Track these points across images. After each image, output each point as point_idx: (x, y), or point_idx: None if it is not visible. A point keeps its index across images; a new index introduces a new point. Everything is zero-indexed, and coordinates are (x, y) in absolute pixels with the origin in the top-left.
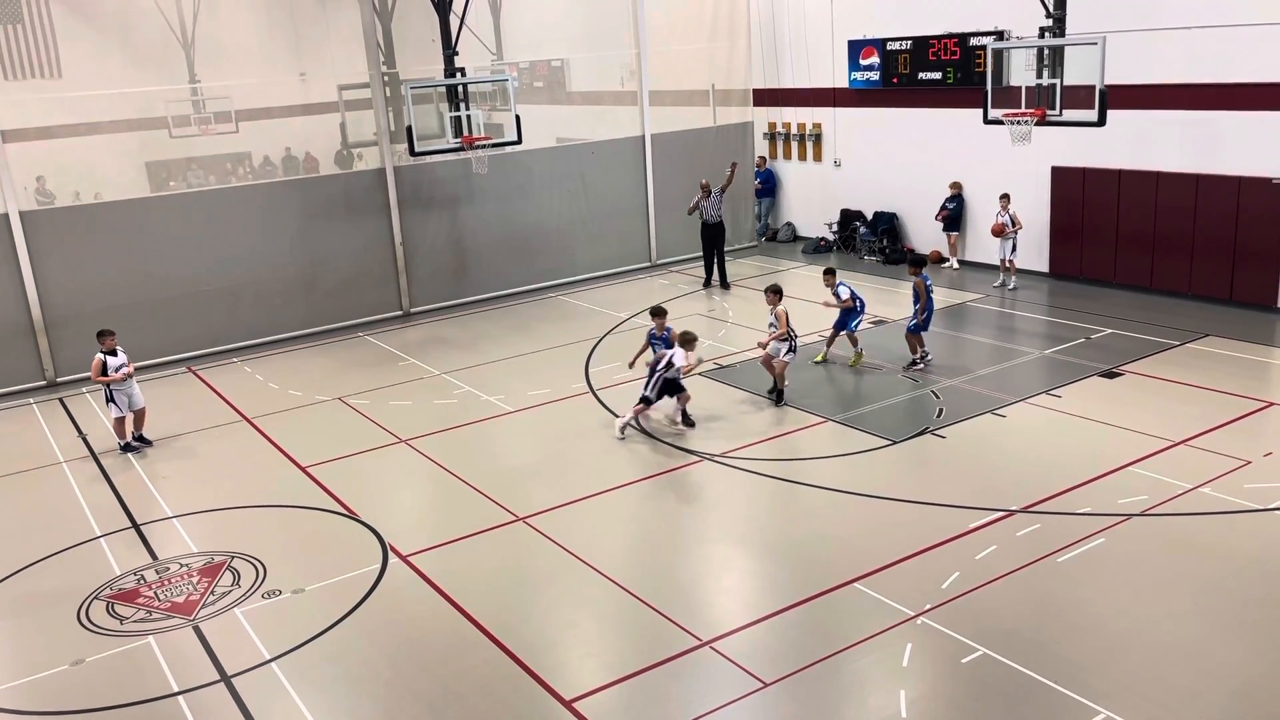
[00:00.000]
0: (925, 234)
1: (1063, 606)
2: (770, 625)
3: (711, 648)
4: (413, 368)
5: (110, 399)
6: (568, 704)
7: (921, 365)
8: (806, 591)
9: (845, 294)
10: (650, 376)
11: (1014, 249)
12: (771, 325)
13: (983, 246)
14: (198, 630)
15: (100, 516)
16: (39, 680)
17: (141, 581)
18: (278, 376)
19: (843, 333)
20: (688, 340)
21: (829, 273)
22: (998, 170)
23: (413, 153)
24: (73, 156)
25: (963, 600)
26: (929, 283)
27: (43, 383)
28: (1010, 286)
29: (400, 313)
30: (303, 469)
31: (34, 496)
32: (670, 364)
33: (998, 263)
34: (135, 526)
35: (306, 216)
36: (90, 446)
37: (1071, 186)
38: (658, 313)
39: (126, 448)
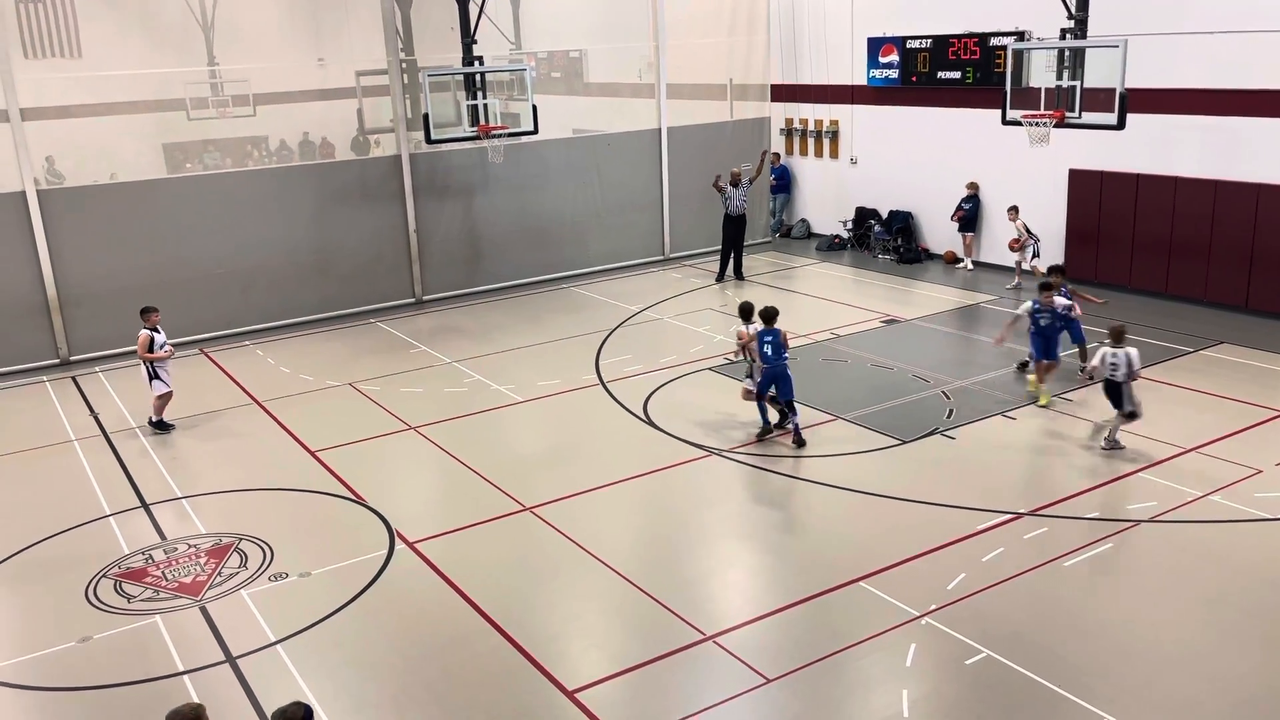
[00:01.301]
0: (940, 234)
1: (1068, 611)
2: (774, 621)
3: (715, 642)
4: (424, 355)
5: (156, 375)
6: (570, 694)
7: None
8: (811, 589)
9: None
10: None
11: (1035, 255)
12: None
13: (998, 248)
14: (204, 611)
15: (110, 495)
16: (46, 656)
17: (149, 561)
18: (289, 361)
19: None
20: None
21: (1051, 280)
22: (1015, 171)
23: (429, 140)
24: (90, 136)
25: (968, 602)
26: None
27: (56, 361)
28: (1020, 286)
29: (413, 300)
30: (312, 453)
31: (45, 474)
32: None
33: (1013, 265)
34: (144, 506)
35: (321, 202)
36: (102, 425)
37: (1089, 190)
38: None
39: (162, 425)
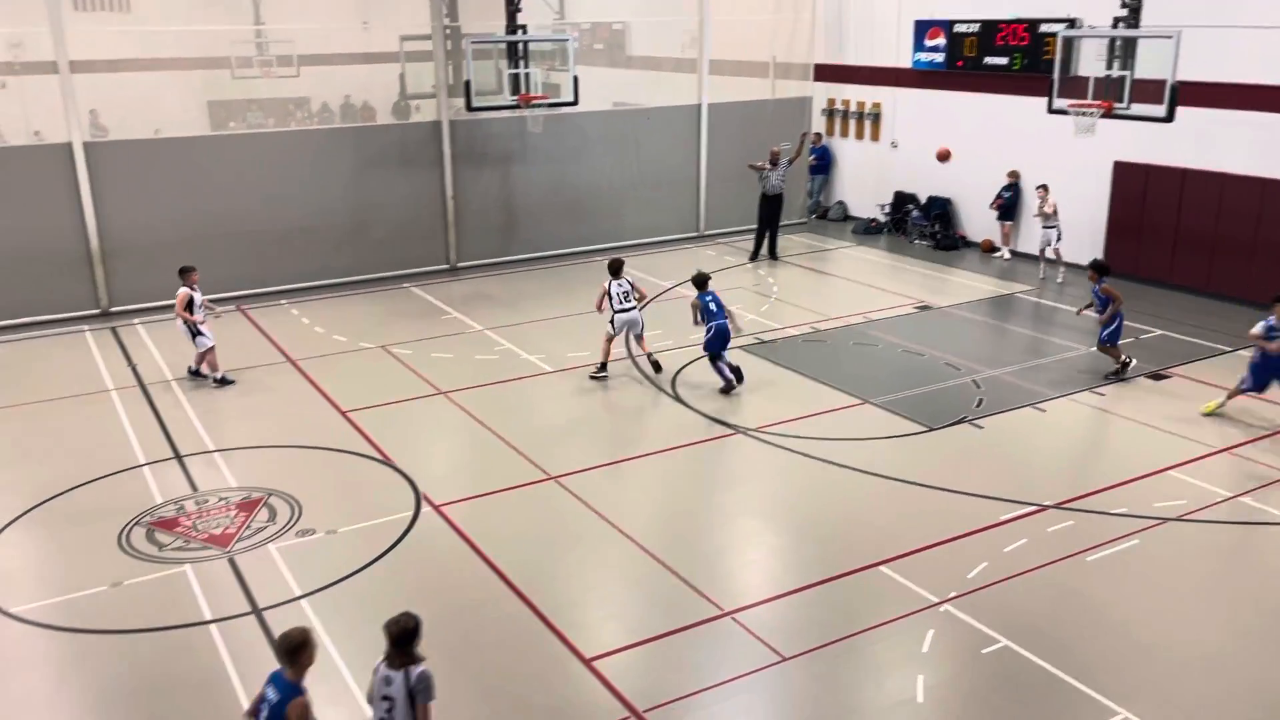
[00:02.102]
0: (979, 221)
1: (1090, 606)
2: (792, 601)
3: (733, 618)
4: (456, 322)
5: (198, 332)
6: (587, 662)
7: (1126, 372)
8: (831, 571)
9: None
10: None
11: (1059, 237)
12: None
13: (1035, 238)
14: (232, 562)
15: (145, 445)
16: (79, 599)
17: (181, 511)
18: (323, 321)
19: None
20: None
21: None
22: (1057, 161)
23: (469, 108)
24: (136, 91)
25: (988, 591)
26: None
27: (96, 311)
28: (1058, 280)
29: (447, 266)
30: (343, 413)
31: (82, 422)
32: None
33: (1037, 253)
34: (178, 457)
35: (360, 164)
36: (139, 376)
37: (1133, 182)
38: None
39: (223, 380)
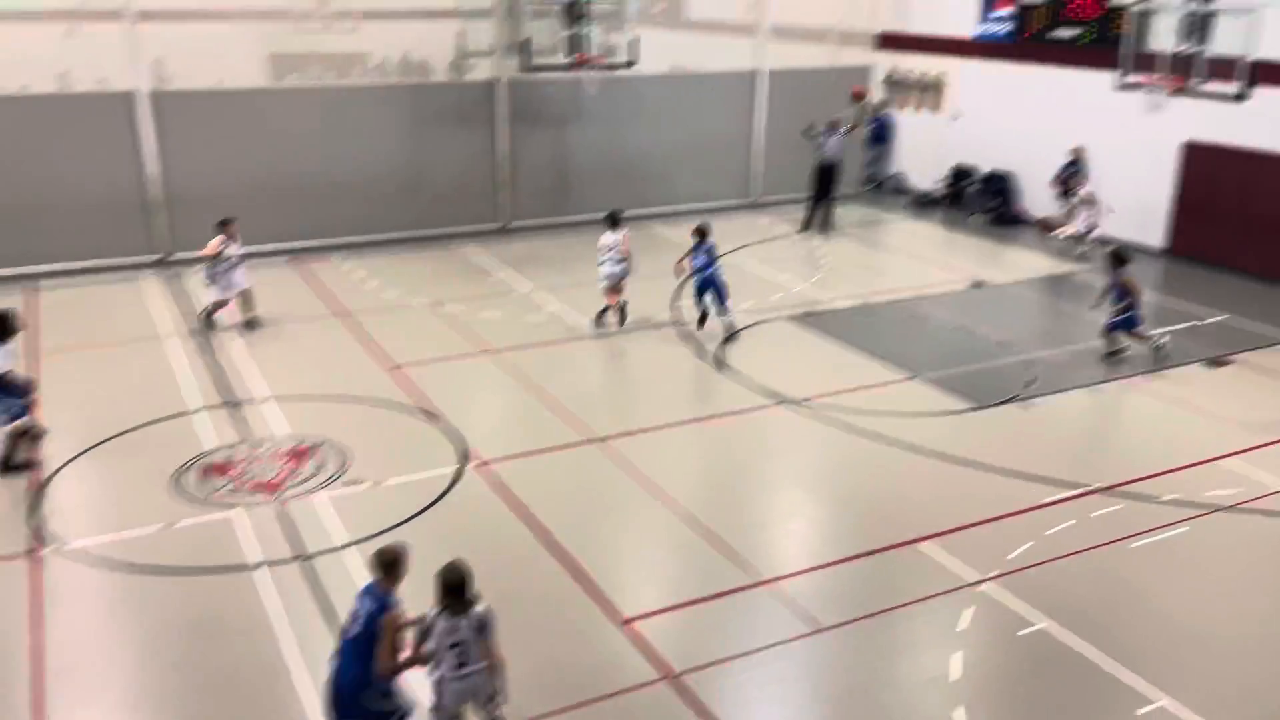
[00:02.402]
0: (1039, 198)
1: (1133, 592)
2: (831, 573)
3: (770, 587)
4: (506, 281)
5: (212, 281)
6: (624, 623)
7: (1122, 352)
8: (871, 545)
9: None
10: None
11: (1091, 225)
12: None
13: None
14: (281, 509)
15: (199, 391)
16: (133, 537)
17: (233, 457)
18: (376, 276)
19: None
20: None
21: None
22: (1124, 139)
23: (526, 68)
24: (199, 42)
25: (1029, 573)
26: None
27: (155, 257)
28: (1079, 251)
29: (499, 226)
30: (392, 367)
31: (139, 365)
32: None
33: (1081, 234)
34: (231, 404)
35: (417, 121)
36: (195, 323)
37: (1202, 163)
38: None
39: (210, 320)
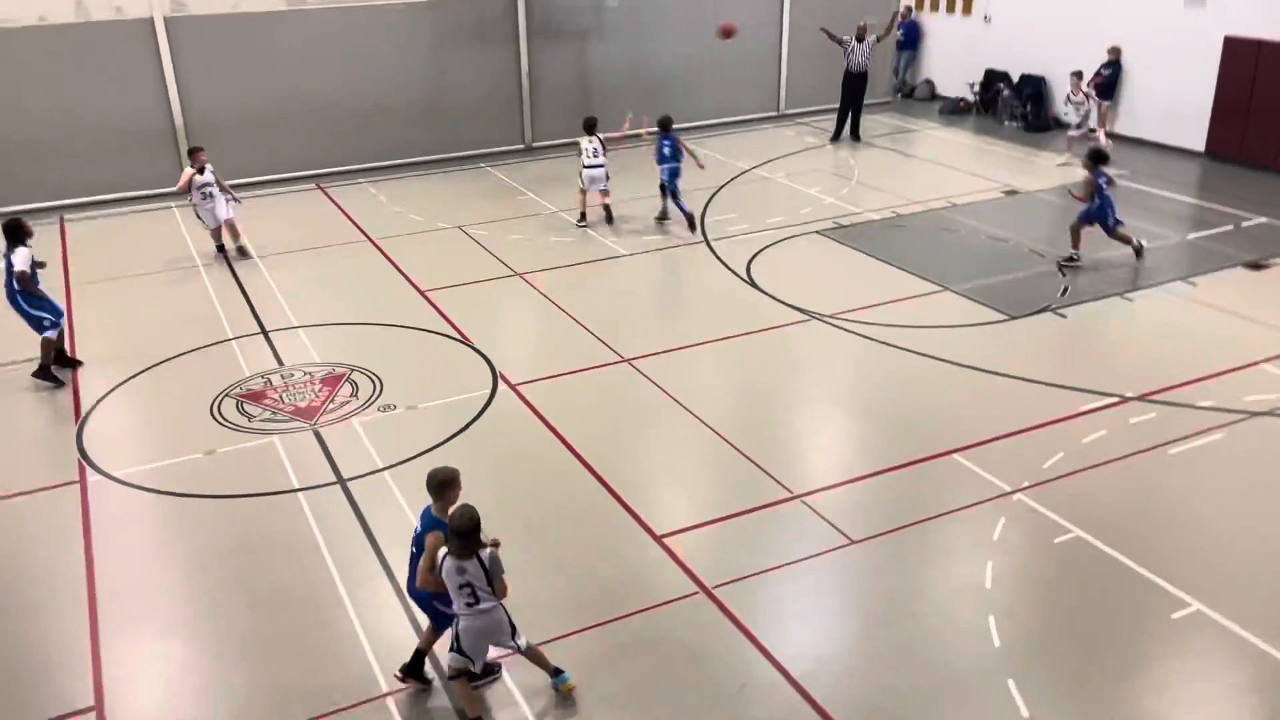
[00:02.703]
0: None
1: (1168, 499)
2: (864, 486)
3: (802, 501)
4: (531, 202)
5: (196, 213)
6: (658, 538)
7: (1076, 261)
8: (904, 458)
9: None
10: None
11: (1080, 126)
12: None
13: (1134, 120)
14: (318, 434)
15: (232, 320)
16: (176, 464)
17: (268, 384)
18: (401, 200)
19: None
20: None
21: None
22: (1162, 37)
23: None
24: None
25: (1063, 482)
26: (1101, 180)
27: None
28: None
29: (522, 146)
30: (421, 292)
31: (174, 295)
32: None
33: (1077, 131)
34: (264, 332)
35: (437, 41)
36: (224, 252)
37: (1244, 60)
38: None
39: (220, 250)
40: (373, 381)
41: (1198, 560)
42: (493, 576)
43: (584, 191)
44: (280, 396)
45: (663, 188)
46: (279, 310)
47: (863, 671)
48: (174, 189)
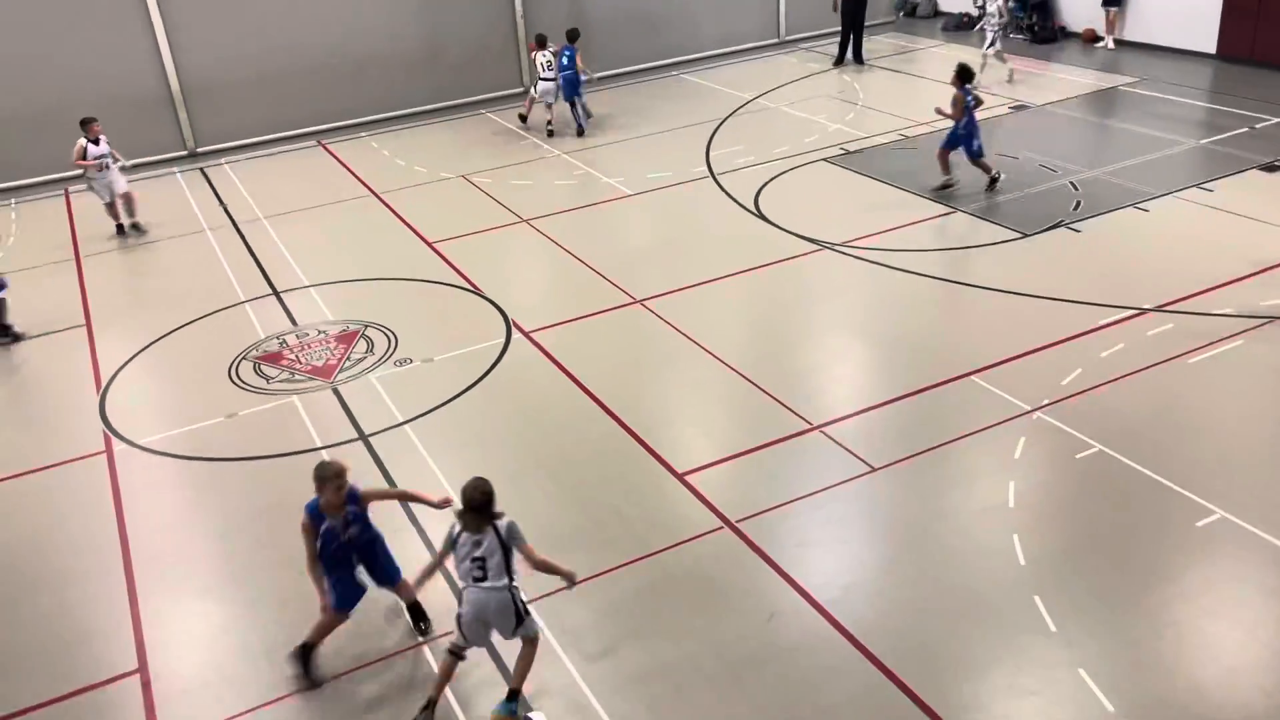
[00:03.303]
0: (1080, 9)
1: (1189, 408)
2: (882, 413)
3: (822, 432)
4: (533, 147)
5: (90, 186)
6: (680, 476)
7: (951, 187)
8: (921, 383)
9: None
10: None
11: (993, 42)
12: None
13: (1143, 24)
14: (336, 392)
15: (243, 282)
16: (199, 429)
17: (284, 345)
18: (403, 152)
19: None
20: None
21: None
22: None
23: None
24: None
25: (1083, 398)
26: (970, 98)
27: (184, 152)
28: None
29: (521, 89)
30: (429, 244)
31: (184, 261)
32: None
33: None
34: (275, 293)
35: None
36: (230, 215)
37: None
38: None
39: (120, 230)
40: (387, 337)
41: (1220, 468)
42: (515, 546)
43: (532, 100)
44: (297, 356)
45: (569, 99)
46: (289, 270)
47: (889, 596)
48: (162, 156)
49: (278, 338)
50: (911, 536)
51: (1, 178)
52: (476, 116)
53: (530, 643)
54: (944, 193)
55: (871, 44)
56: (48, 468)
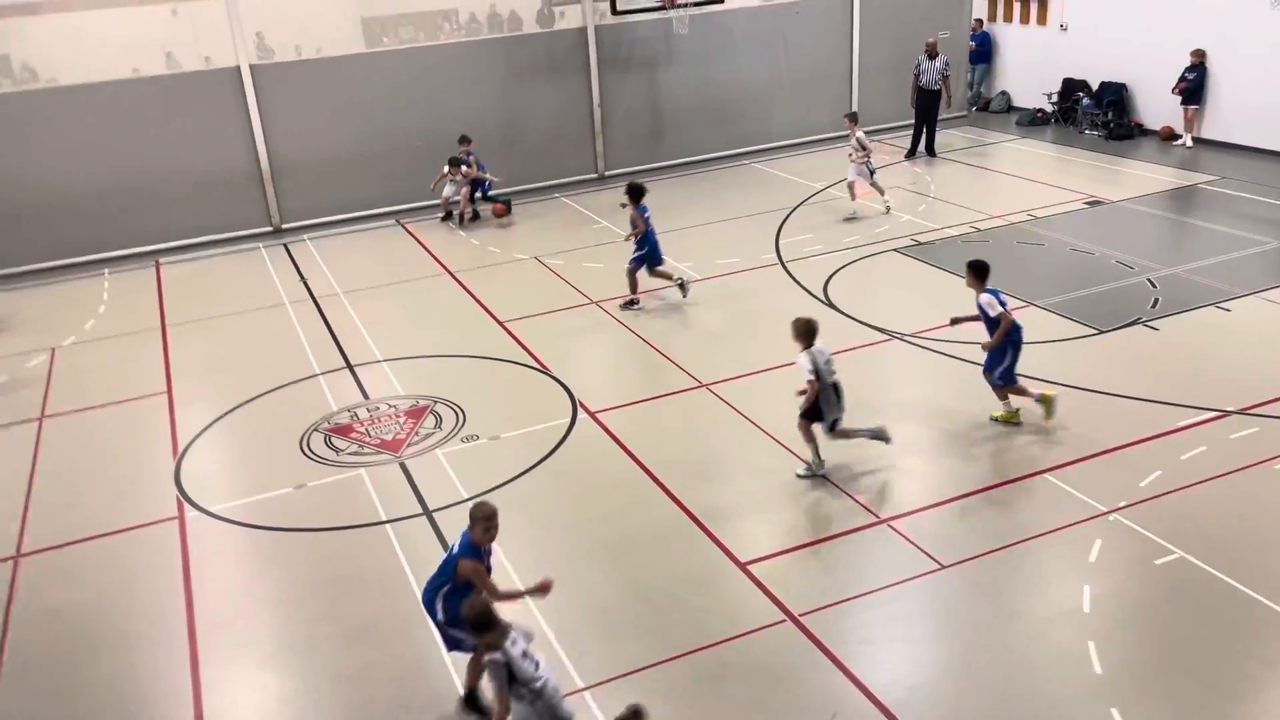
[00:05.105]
0: (1157, 107)
1: (1274, 516)
2: (952, 509)
3: (889, 526)
4: (605, 231)
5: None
6: (742, 565)
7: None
8: (993, 479)
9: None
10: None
11: (872, 173)
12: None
13: (1223, 123)
14: (403, 467)
15: (319, 355)
16: (267, 499)
17: (355, 418)
18: (478, 234)
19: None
20: None
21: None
22: (1249, 39)
23: (615, 11)
24: (293, 11)
25: (1162, 500)
26: (646, 214)
27: (269, 228)
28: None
29: (595, 175)
30: (501, 323)
31: (261, 334)
32: None
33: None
34: (349, 367)
35: (509, 75)
36: (310, 290)
37: None
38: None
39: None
40: (456, 413)
41: None
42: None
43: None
44: (366, 430)
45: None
46: (363, 344)
47: (957, 700)
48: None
49: (349, 410)
50: (981, 638)
51: (97, 249)
52: (551, 200)
53: None
54: (630, 308)
55: (944, 137)
56: (120, 531)
